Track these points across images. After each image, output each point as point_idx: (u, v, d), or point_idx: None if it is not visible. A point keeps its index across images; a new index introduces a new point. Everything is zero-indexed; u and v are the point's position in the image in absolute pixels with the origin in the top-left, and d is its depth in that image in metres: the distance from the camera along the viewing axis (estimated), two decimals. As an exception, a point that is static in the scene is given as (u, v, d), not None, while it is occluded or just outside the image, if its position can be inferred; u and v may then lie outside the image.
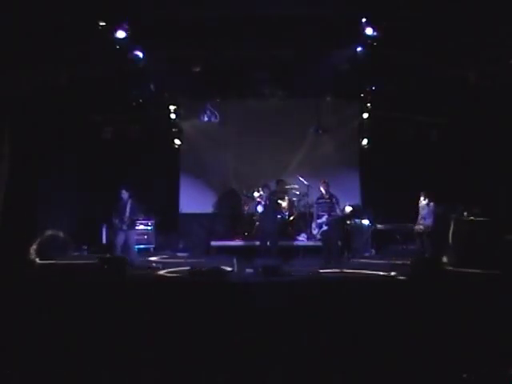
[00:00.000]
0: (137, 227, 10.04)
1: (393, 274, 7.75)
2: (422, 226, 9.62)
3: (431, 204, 9.62)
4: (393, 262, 9.21)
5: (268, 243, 9.63)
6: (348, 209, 9.68)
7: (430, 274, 7.09)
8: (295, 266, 8.96)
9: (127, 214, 9.08)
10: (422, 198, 9.72)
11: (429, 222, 9.56)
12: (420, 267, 7.45)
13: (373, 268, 8.52)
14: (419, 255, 9.26)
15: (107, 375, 4.12)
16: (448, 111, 10.80)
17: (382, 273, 8.02)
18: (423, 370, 4.13)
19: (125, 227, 9.05)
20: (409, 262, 7.90)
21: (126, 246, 9.16)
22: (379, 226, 10.62)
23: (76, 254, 10.64)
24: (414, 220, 9.81)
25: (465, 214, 8.69)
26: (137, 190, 10.00)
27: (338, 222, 9.74)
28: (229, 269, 7.89)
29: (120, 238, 9.07)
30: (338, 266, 8.71)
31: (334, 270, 8.35)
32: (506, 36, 8.11)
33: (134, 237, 9.38)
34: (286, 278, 7.34)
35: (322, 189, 9.72)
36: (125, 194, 9.21)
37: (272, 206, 9.74)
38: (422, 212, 9.70)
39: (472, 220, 8.55)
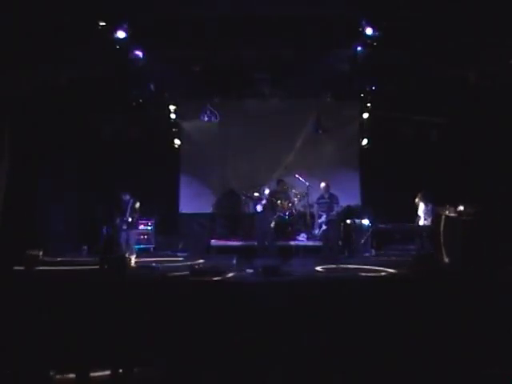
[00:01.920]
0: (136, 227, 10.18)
1: (391, 270, 7.82)
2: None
3: (430, 204, 9.64)
4: (393, 260, 9.28)
5: (266, 243, 9.64)
6: (339, 208, 9.73)
7: (430, 273, 7.09)
8: (295, 265, 8.98)
9: (128, 214, 9.32)
10: (417, 200, 9.74)
11: (429, 222, 9.57)
12: (420, 266, 7.46)
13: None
14: (419, 254, 9.26)
15: (107, 375, 4.12)
16: (448, 111, 10.80)
17: (376, 267, 8.16)
18: (423, 369, 4.14)
19: (125, 227, 9.29)
20: (409, 262, 7.93)
21: (127, 244, 9.42)
22: (380, 225, 10.61)
23: (76, 254, 10.64)
24: (414, 220, 9.85)
25: (463, 213, 8.66)
26: (137, 190, 10.06)
27: (337, 222, 9.77)
28: (229, 269, 7.91)
29: (123, 238, 9.35)
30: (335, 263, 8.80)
31: (330, 266, 8.39)
32: (506, 36, 8.11)
33: (134, 236, 9.60)
34: (286, 277, 7.35)
35: (322, 189, 9.77)
36: (126, 196, 9.47)
37: (270, 206, 9.76)
38: (423, 213, 9.71)
39: (472, 220, 8.54)
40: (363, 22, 8.44)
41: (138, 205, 9.67)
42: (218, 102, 11.76)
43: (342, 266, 8.68)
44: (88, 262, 9.16)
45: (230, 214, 12.07)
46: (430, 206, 9.65)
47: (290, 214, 11.35)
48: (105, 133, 11.76)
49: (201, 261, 9.41)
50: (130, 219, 9.46)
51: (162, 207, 11.82)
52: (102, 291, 6.06)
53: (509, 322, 4.86)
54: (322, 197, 9.84)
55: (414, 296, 5.90)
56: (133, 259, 9.40)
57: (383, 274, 7.81)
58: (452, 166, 10.76)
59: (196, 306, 5.51)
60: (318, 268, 8.40)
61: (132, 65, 9.27)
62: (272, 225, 9.77)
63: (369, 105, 11.59)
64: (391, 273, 7.80)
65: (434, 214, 9.53)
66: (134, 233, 9.68)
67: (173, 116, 11.94)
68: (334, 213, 9.59)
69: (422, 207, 9.74)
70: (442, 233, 8.71)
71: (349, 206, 10.92)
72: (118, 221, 9.44)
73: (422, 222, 9.72)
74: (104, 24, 8.13)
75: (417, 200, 9.75)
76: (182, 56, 9.68)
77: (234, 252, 10.00)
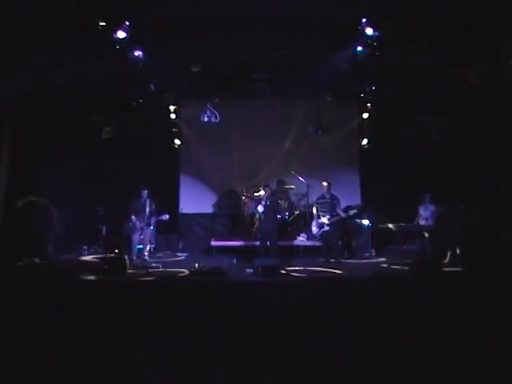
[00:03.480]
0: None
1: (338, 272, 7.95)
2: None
3: (432, 205, 9.65)
4: (393, 262, 9.28)
5: (268, 243, 9.64)
6: (352, 211, 9.68)
7: (431, 274, 7.10)
8: (295, 266, 8.99)
9: (147, 213, 9.44)
10: (422, 201, 9.75)
11: (430, 222, 9.58)
12: (420, 267, 7.46)
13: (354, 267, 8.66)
14: (420, 255, 9.27)
15: (107, 375, 4.12)
16: (448, 111, 10.79)
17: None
18: (423, 370, 4.13)
19: (143, 226, 9.41)
20: (409, 262, 7.94)
21: (141, 243, 9.60)
22: (379, 225, 10.60)
23: (76, 253, 10.65)
24: (414, 220, 9.85)
25: (464, 213, 8.67)
26: (137, 190, 10.09)
27: (339, 223, 9.77)
28: (229, 268, 7.92)
29: (136, 237, 9.44)
30: (335, 265, 8.82)
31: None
32: (506, 36, 8.11)
33: (149, 235, 9.73)
34: (286, 277, 7.36)
35: (323, 189, 9.78)
36: (144, 193, 9.58)
37: (272, 206, 9.75)
38: (424, 213, 9.71)
39: (472, 220, 8.56)
40: (363, 22, 8.44)
41: (148, 201, 9.78)
42: (218, 102, 11.76)
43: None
44: (88, 261, 9.17)
45: (231, 213, 12.08)
46: (432, 208, 9.65)
47: (290, 214, 11.37)
48: (105, 133, 11.75)
49: (201, 261, 9.42)
50: (148, 218, 9.57)
51: (162, 207, 11.81)
52: (102, 291, 6.07)
53: (509, 322, 4.86)
54: (322, 197, 9.84)
55: (414, 296, 5.90)
56: (146, 253, 9.56)
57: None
58: (452, 165, 10.76)
59: (196, 306, 5.51)
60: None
61: (132, 65, 9.27)
62: (276, 227, 9.76)
63: (369, 105, 11.59)
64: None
65: (435, 215, 9.54)
66: (149, 232, 9.80)
67: (173, 116, 11.94)
68: (339, 213, 9.58)
69: (423, 208, 9.75)
70: (443, 233, 8.74)
71: (351, 207, 10.93)
72: (134, 219, 9.52)
73: (422, 222, 9.72)
74: (104, 24, 8.14)
75: (421, 201, 9.76)
76: (182, 56, 9.68)
77: (234, 252, 10.01)
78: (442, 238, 8.95)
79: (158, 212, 9.88)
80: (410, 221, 9.88)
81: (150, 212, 9.65)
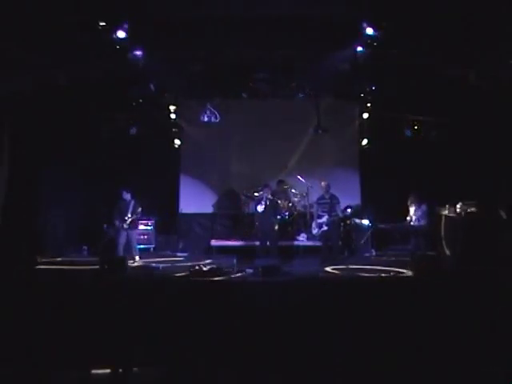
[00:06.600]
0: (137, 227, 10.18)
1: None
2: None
3: (423, 205, 9.63)
4: (393, 260, 9.29)
5: (268, 243, 9.64)
6: (349, 210, 9.70)
7: (430, 272, 7.10)
8: (295, 265, 9.00)
9: (129, 213, 9.31)
10: (409, 201, 9.75)
11: (423, 222, 9.57)
12: (419, 266, 7.47)
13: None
14: (418, 254, 9.26)
15: (108, 375, 4.12)
16: (448, 111, 10.79)
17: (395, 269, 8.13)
18: (423, 370, 4.14)
19: (126, 226, 9.27)
20: (408, 261, 7.95)
21: (128, 245, 9.43)
22: (380, 225, 10.60)
23: (76, 254, 10.65)
24: (405, 220, 9.88)
25: (457, 208, 8.61)
26: (137, 190, 10.09)
27: (338, 222, 9.78)
28: (229, 269, 7.92)
29: (122, 238, 9.34)
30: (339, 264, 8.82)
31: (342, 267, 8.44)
32: (506, 36, 8.11)
33: (135, 236, 9.62)
34: (286, 277, 7.35)
35: (323, 189, 9.79)
36: (126, 195, 9.48)
37: (272, 206, 9.76)
38: (416, 214, 9.69)
39: (471, 219, 8.54)
40: (363, 22, 8.44)
41: (139, 209, 9.63)
42: (218, 102, 11.76)
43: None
44: (88, 262, 9.16)
45: (231, 214, 12.08)
46: (422, 207, 9.64)
47: (290, 214, 11.37)
48: (105, 133, 11.75)
49: (201, 261, 9.41)
50: (130, 220, 9.43)
51: (162, 207, 11.82)
52: (102, 291, 6.06)
53: (509, 322, 4.86)
54: (322, 197, 9.86)
55: (413, 295, 5.90)
56: (137, 259, 9.47)
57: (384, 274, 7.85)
58: (452, 165, 10.76)
59: (196, 306, 5.51)
60: None
61: (132, 65, 9.26)
62: (276, 227, 9.76)
63: (369, 105, 11.58)
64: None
65: (427, 215, 9.53)
66: (135, 233, 9.66)
67: (173, 116, 11.93)
68: (338, 213, 9.59)
69: (413, 208, 9.75)
70: (441, 232, 8.72)
71: (350, 207, 10.94)
72: (117, 222, 9.43)
73: (414, 223, 9.71)
74: (104, 24, 8.14)
75: (409, 202, 9.77)
76: (182, 56, 9.68)
77: (234, 252, 10.00)
78: (438, 238, 8.94)
79: (141, 212, 9.76)
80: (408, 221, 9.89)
81: (132, 213, 9.46)
